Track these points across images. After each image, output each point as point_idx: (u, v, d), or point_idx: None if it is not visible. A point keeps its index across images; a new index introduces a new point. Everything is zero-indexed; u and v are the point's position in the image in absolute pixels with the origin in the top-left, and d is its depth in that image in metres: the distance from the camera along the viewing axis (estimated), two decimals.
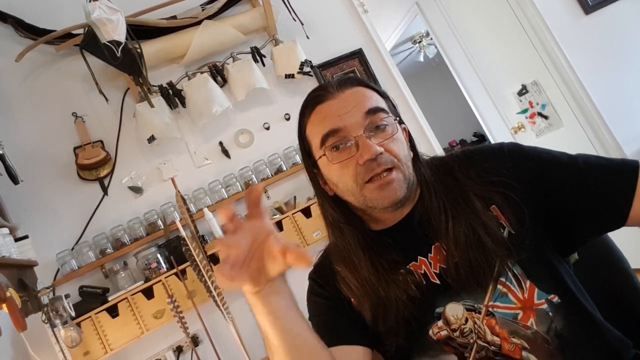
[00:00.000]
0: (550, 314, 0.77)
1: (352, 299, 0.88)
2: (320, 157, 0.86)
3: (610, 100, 2.61)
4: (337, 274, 0.89)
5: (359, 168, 0.81)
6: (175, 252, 2.05)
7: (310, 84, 2.52)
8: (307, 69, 2.42)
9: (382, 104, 0.86)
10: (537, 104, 2.91)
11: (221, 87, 2.38)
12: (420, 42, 5.64)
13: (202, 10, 2.41)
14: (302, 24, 2.54)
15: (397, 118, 0.88)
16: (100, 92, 2.19)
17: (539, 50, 2.75)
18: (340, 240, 0.89)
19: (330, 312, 0.90)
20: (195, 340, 2.11)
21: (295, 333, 0.71)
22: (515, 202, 0.80)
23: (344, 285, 0.88)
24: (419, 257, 0.84)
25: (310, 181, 0.93)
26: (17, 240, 1.77)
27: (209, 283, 1.90)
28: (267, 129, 2.47)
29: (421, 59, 5.89)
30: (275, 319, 0.69)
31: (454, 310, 0.80)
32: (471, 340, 0.79)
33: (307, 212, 2.22)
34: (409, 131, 0.93)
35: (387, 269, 0.84)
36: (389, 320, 0.82)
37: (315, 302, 0.93)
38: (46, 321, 1.76)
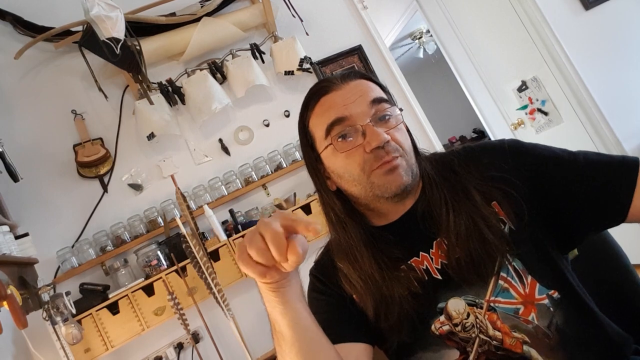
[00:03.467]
0: (551, 309, 0.77)
1: (353, 295, 0.88)
2: (325, 148, 0.85)
3: (610, 96, 2.61)
4: (339, 271, 0.89)
5: (367, 156, 0.81)
6: (175, 249, 2.05)
7: (310, 80, 2.52)
8: (306, 65, 2.42)
9: (385, 96, 0.87)
10: (537, 100, 2.91)
11: (220, 84, 2.38)
12: (419, 38, 5.63)
13: (201, 7, 2.41)
14: (302, 21, 2.54)
15: (400, 110, 0.89)
16: (100, 89, 2.18)
17: (538, 46, 2.74)
18: (342, 236, 0.89)
19: (332, 309, 0.90)
20: (195, 337, 2.12)
21: (304, 326, 0.72)
22: (514, 198, 0.80)
23: (346, 282, 0.87)
24: (420, 252, 0.84)
25: (311, 177, 0.92)
26: (17, 237, 1.77)
27: (209, 280, 1.91)
28: (267, 125, 2.47)
29: (421, 55, 5.88)
30: (286, 310, 0.69)
31: (456, 305, 0.80)
32: (473, 335, 0.80)
33: (307, 208, 2.22)
34: (407, 127, 0.93)
35: (389, 266, 0.84)
36: (392, 317, 0.82)
37: (317, 299, 0.93)
38: (47, 318, 1.76)
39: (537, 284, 0.78)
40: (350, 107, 0.83)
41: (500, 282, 0.79)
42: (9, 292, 1.42)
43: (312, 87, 0.90)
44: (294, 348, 0.72)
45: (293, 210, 2.20)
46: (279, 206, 2.27)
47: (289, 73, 2.42)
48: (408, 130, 0.91)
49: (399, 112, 0.87)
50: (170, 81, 2.31)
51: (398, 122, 0.85)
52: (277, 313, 0.69)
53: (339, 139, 0.83)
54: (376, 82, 0.90)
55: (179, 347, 2.11)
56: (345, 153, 0.83)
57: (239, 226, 2.17)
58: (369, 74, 0.92)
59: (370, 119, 0.82)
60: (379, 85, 0.89)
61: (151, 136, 2.20)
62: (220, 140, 2.40)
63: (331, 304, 0.90)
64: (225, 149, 2.40)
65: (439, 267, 0.83)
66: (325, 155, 0.86)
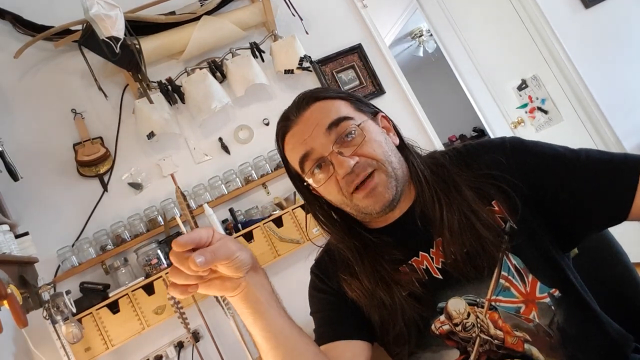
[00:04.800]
0: (553, 307, 0.77)
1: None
2: (307, 182, 0.88)
3: (610, 94, 2.61)
4: (342, 280, 0.90)
5: (342, 182, 0.82)
6: None
7: (310, 79, 2.52)
8: (306, 64, 2.42)
9: (343, 110, 0.85)
10: (537, 98, 2.91)
11: (220, 82, 2.38)
12: (419, 37, 5.62)
13: (201, 5, 2.40)
14: (302, 19, 2.53)
15: (368, 114, 0.88)
16: (100, 88, 2.18)
17: (538, 45, 2.74)
18: (343, 253, 0.90)
19: (332, 307, 0.91)
20: (196, 336, 2.12)
21: (278, 329, 0.73)
22: (511, 196, 0.80)
23: (350, 290, 0.88)
24: (420, 252, 0.84)
25: (307, 204, 0.94)
26: (17, 237, 1.76)
27: None
28: (267, 124, 2.47)
29: (420, 53, 5.86)
30: (256, 316, 0.70)
31: (456, 305, 0.80)
32: (474, 335, 0.80)
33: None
34: (389, 118, 0.93)
35: (388, 271, 0.85)
36: (397, 325, 0.83)
37: (317, 298, 0.94)
38: (47, 317, 1.77)
39: (538, 283, 0.78)
40: (309, 141, 0.83)
41: (501, 281, 0.79)
42: (9, 291, 1.42)
43: (276, 127, 0.91)
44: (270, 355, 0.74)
45: (293, 210, 2.20)
46: (279, 205, 2.27)
47: (289, 72, 2.42)
48: (391, 122, 0.91)
49: (361, 120, 0.84)
50: (170, 80, 2.31)
51: (364, 134, 0.83)
52: (250, 321, 0.71)
53: (316, 170, 0.84)
54: (332, 96, 0.88)
55: (179, 345, 2.11)
56: (322, 186, 0.84)
57: (239, 225, 2.17)
58: (322, 92, 0.89)
59: (332, 145, 0.82)
60: (336, 98, 0.87)
61: (151, 135, 2.20)
62: (220, 139, 2.40)
63: (331, 302, 0.91)
64: (225, 148, 2.39)
65: (440, 266, 0.83)
66: (312, 186, 0.88)
